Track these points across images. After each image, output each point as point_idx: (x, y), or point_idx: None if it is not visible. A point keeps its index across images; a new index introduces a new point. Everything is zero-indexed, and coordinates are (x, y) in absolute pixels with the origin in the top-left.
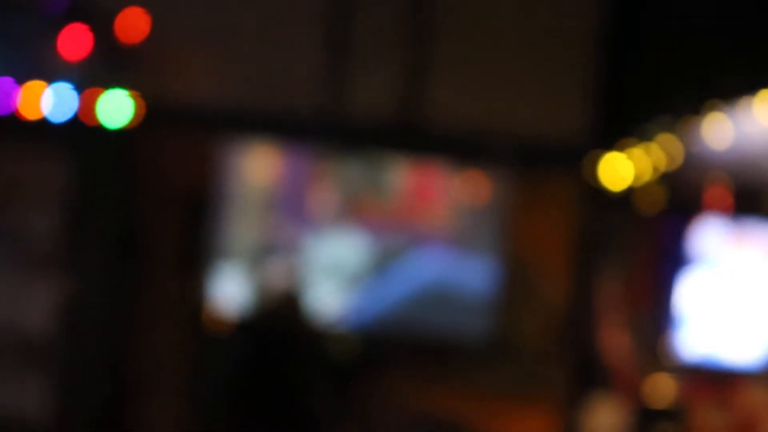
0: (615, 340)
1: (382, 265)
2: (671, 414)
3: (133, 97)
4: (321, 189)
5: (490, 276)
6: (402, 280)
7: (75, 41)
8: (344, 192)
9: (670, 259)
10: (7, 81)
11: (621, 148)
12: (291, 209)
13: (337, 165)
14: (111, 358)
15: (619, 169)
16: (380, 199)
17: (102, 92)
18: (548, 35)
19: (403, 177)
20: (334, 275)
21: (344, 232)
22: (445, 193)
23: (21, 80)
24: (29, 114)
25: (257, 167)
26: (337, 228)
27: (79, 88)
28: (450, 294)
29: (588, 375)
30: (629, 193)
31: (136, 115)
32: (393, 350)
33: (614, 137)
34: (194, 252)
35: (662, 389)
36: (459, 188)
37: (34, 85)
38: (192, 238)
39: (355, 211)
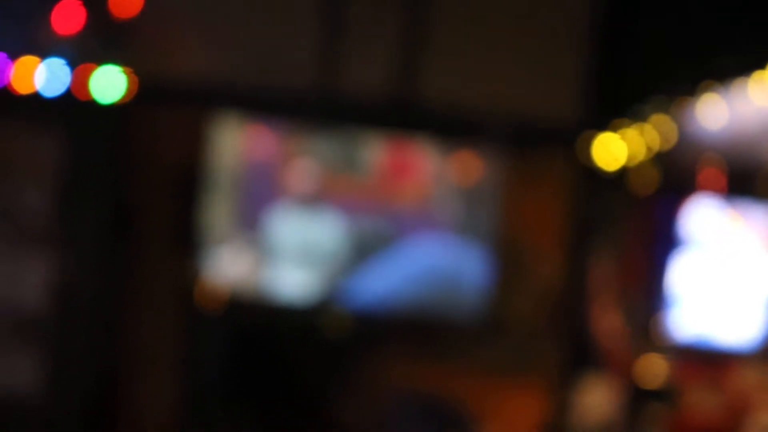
0: (608, 321)
1: (362, 245)
2: (663, 394)
3: (127, 72)
4: (301, 168)
5: (482, 256)
6: (396, 264)
7: (68, 16)
8: (324, 171)
9: (664, 239)
10: (0, 56)
11: (615, 129)
12: (273, 189)
13: (318, 143)
14: (104, 335)
15: (612, 150)
16: (362, 178)
17: (95, 68)
18: (543, 15)
19: (385, 156)
20: (313, 256)
21: (324, 212)
22: (429, 173)
23: (14, 56)
24: (22, 88)
25: (246, 145)
26: (317, 207)
27: (73, 64)
28: (443, 275)
29: (581, 355)
30: (623, 173)
31: (129, 90)
32: (385, 329)
33: (608, 117)
34: (187, 229)
35: (655, 369)
36: (450, 168)
37: (27, 60)
38: (185, 215)
39: (335, 190)
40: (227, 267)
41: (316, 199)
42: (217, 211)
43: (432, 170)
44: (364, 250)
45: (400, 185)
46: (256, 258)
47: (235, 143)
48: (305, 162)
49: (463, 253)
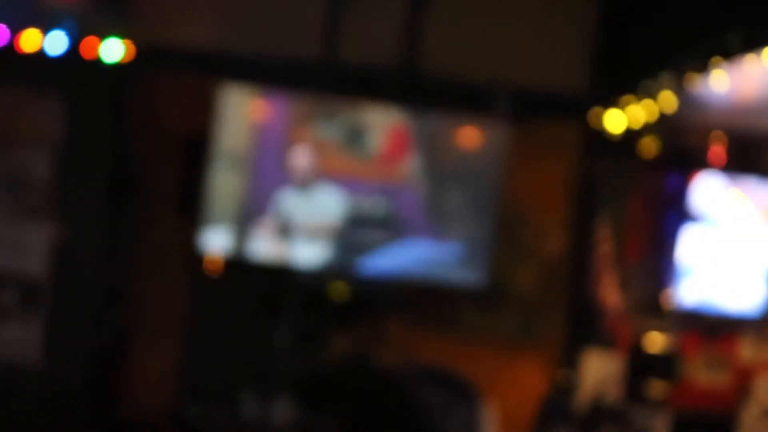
0: (612, 291)
1: (363, 218)
2: (666, 366)
3: (130, 39)
4: (303, 142)
5: (487, 226)
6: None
7: None
8: (327, 149)
9: (669, 210)
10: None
11: (621, 101)
12: (277, 162)
13: (323, 122)
14: (109, 302)
15: (618, 121)
16: (364, 157)
17: (99, 37)
18: None
19: (387, 135)
20: (317, 229)
21: (324, 186)
22: (433, 146)
23: (17, 28)
24: (27, 47)
25: (253, 115)
26: (317, 181)
27: (76, 34)
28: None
29: (584, 325)
30: (628, 144)
31: (133, 57)
32: (390, 297)
33: (614, 89)
34: (190, 196)
35: (658, 341)
36: (454, 141)
37: (29, 32)
38: (188, 181)
39: (337, 168)
40: (234, 235)
41: (319, 175)
42: (223, 180)
43: (434, 146)
44: (365, 225)
45: (401, 163)
46: (264, 227)
47: (241, 113)
48: (310, 140)
49: (465, 222)
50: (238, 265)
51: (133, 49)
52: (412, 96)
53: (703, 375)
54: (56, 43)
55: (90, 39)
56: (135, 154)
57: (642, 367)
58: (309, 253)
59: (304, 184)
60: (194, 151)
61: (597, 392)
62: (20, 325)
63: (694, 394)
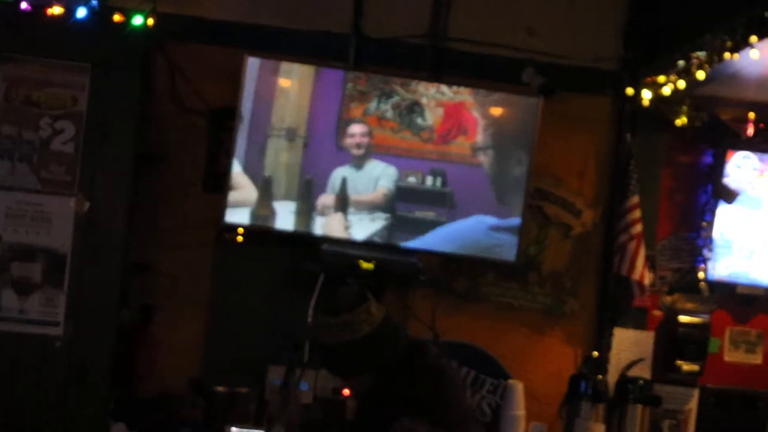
0: (643, 267)
1: (417, 194)
2: (698, 343)
3: (158, 11)
4: (351, 118)
5: (518, 202)
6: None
7: None
8: (380, 122)
9: (702, 185)
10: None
11: (653, 74)
12: (331, 138)
13: (368, 93)
14: (132, 275)
15: (650, 95)
16: (410, 128)
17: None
18: None
19: (436, 113)
20: (371, 204)
21: (379, 162)
22: (476, 122)
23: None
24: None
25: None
26: (366, 158)
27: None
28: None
29: (614, 301)
30: (660, 118)
31: (160, 29)
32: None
33: (647, 62)
34: (217, 169)
35: (690, 318)
36: (490, 115)
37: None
38: (215, 155)
39: (389, 140)
40: (285, 210)
41: (374, 151)
42: (273, 154)
43: (480, 124)
44: (419, 201)
45: (451, 140)
46: (319, 202)
47: (269, 86)
48: (365, 116)
49: (499, 198)
50: (265, 237)
51: (166, 18)
52: (443, 69)
53: (736, 352)
54: (83, 14)
55: (117, 10)
56: (161, 127)
57: (673, 344)
58: (362, 228)
59: (359, 159)
60: (224, 124)
61: (627, 370)
62: (45, 298)
63: (727, 371)
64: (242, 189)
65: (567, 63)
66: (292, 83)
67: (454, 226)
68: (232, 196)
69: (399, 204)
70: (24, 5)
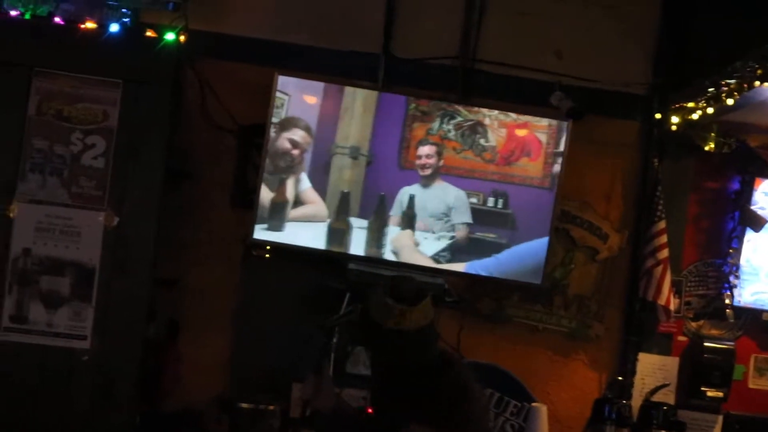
0: (668, 292)
1: (481, 216)
2: (722, 369)
3: (189, 28)
4: (423, 139)
5: (546, 224)
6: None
7: None
8: (445, 143)
9: (729, 212)
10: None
11: (682, 99)
12: (394, 158)
13: (430, 114)
14: (159, 290)
15: (679, 120)
16: (473, 149)
17: (158, 26)
18: None
19: (501, 135)
20: (431, 224)
21: (442, 186)
22: (540, 144)
23: (76, 16)
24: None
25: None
26: (434, 177)
27: (135, 23)
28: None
29: (639, 326)
30: (689, 143)
31: (193, 46)
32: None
33: (676, 87)
34: (246, 186)
35: (714, 344)
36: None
37: (89, 21)
38: (244, 171)
39: (454, 162)
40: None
41: (436, 173)
42: (337, 172)
43: (542, 147)
44: (482, 224)
45: (514, 162)
46: (374, 216)
47: (358, 109)
48: (428, 136)
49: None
50: (291, 254)
51: (191, 37)
52: (470, 91)
53: (761, 380)
54: (115, 30)
55: (149, 27)
56: (191, 143)
57: (698, 370)
58: (429, 246)
59: (425, 180)
60: (253, 141)
61: (651, 395)
62: (73, 311)
63: (751, 398)
64: (313, 204)
65: (596, 87)
66: (357, 103)
67: (517, 249)
68: (301, 210)
69: (467, 227)
70: (57, 19)
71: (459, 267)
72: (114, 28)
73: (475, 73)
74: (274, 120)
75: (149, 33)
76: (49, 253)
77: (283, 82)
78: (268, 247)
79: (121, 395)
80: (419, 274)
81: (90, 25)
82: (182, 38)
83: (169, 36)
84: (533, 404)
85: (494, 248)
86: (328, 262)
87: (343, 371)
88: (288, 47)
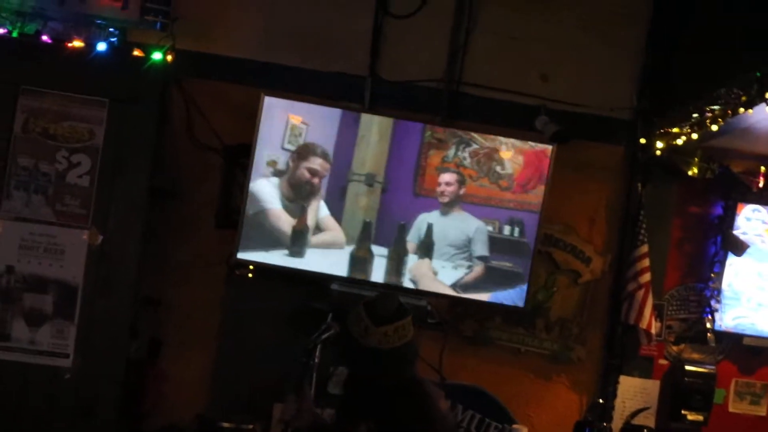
0: (650, 315)
1: (498, 243)
2: (703, 393)
3: (175, 48)
4: (440, 167)
5: (530, 247)
6: None
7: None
8: (461, 171)
9: (711, 236)
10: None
11: (666, 125)
12: (409, 185)
13: (446, 141)
14: (142, 308)
15: (662, 145)
16: (488, 177)
17: (144, 45)
18: (600, 16)
19: (516, 163)
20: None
21: (462, 210)
22: (543, 171)
23: (63, 35)
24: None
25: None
26: (453, 205)
27: (121, 42)
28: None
29: (621, 349)
30: (672, 169)
31: (179, 65)
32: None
33: (660, 113)
34: (230, 205)
35: (696, 368)
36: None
37: (75, 39)
38: (229, 191)
39: (470, 189)
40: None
41: (456, 201)
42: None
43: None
44: (499, 251)
45: (530, 190)
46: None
47: (350, 134)
48: (444, 164)
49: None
50: (274, 274)
51: (178, 57)
52: (456, 113)
53: (741, 404)
54: (102, 49)
55: (136, 46)
56: (176, 162)
57: (678, 394)
58: (447, 275)
59: (445, 207)
60: (239, 161)
61: (631, 418)
62: (56, 329)
63: (731, 422)
64: (332, 231)
65: (581, 111)
66: (373, 130)
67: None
68: (321, 237)
69: (485, 254)
70: (45, 38)
71: (484, 297)
72: (101, 47)
73: (461, 96)
74: (290, 147)
75: (136, 52)
76: (33, 270)
77: (298, 108)
78: (251, 267)
79: (103, 413)
80: (402, 295)
81: (77, 43)
82: (169, 58)
83: (156, 55)
84: (514, 426)
85: (511, 277)
86: (311, 283)
87: (325, 391)
88: (274, 68)
